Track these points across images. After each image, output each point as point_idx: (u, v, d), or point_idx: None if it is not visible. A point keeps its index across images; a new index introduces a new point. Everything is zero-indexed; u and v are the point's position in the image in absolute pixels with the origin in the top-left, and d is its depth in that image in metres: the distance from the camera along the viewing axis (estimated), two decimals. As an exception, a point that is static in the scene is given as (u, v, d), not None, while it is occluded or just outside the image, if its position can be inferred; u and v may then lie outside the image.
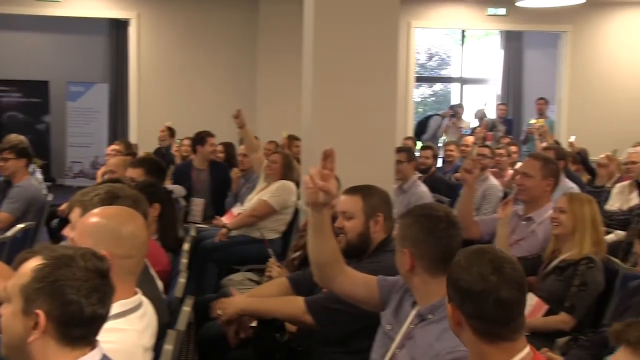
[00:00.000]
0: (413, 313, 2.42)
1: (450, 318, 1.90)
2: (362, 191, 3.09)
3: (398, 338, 2.41)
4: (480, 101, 13.72)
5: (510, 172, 7.18)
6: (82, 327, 1.67)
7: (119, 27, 12.08)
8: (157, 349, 2.33)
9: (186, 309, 2.76)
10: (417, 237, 2.39)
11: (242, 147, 6.73)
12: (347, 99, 4.62)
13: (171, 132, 8.73)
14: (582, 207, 3.68)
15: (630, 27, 11.18)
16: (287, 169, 5.71)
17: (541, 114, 11.17)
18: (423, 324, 2.36)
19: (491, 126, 11.56)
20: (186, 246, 3.78)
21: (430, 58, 16.82)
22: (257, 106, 10.09)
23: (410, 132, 11.10)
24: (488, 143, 8.82)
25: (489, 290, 1.82)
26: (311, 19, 4.66)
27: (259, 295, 3.27)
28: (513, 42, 13.97)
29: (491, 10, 11.15)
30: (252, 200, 5.71)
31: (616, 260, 3.86)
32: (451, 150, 8.43)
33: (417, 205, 2.66)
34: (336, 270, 2.64)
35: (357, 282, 2.66)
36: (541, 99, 11.37)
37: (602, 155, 7.10)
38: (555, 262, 3.66)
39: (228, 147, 7.73)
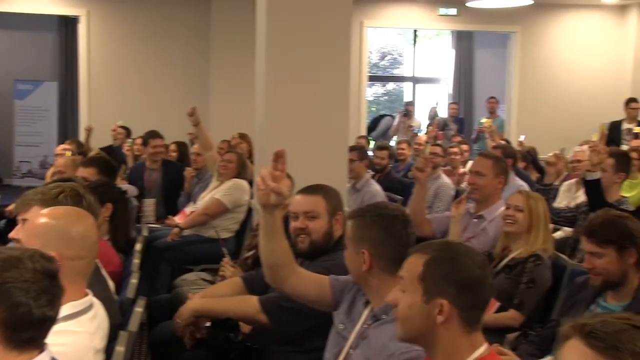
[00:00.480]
0: (366, 313, 2.43)
1: (439, 315, 1.85)
2: (323, 191, 3.09)
3: (352, 338, 2.42)
4: (433, 100, 13.86)
5: (462, 170, 7.28)
6: (30, 330, 1.63)
7: (68, 24, 11.88)
8: (108, 350, 2.30)
9: (138, 309, 2.73)
10: (377, 238, 2.39)
11: (195, 146, 6.69)
12: (300, 98, 4.62)
13: (127, 131, 8.64)
14: (537, 205, 3.75)
15: (576, 28, 11.41)
16: (241, 168, 5.71)
17: (492, 113, 11.33)
18: (377, 324, 2.36)
19: (443, 125, 11.68)
20: (138, 246, 3.74)
21: (382, 57, 16.91)
22: (210, 105, 10.02)
23: (364, 131, 11.15)
24: (439, 142, 8.91)
25: (484, 277, 1.88)
26: (263, 17, 4.65)
27: (212, 295, 3.25)
28: (464, 42, 14.15)
29: (442, 11, 11.27)
30: (205, 199, 5.68)
31: (564, 256, 3.94)
32: (403, 149, 8.49)
33: (370, 205, 2.65)
34: (288, 271, 2.64)
35: (308, 283, 2.66)
36: (492, 98, 11.52)
37: (551, 154, 7.23)
38: (505, 261, 3.72)
39: (181, 146, 7.68)
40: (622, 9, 11.37)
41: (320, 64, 4.63)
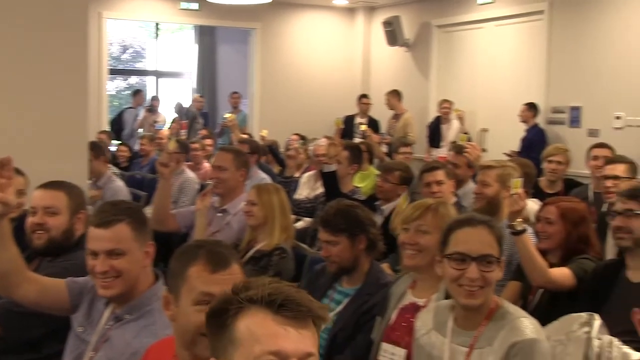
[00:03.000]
0: (107, 314, 2.37)
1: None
2: (65, 187, 2.99)
3: (93, 341, 2.34)
4: (177, 94, 13.78)
5: (206, 164, 7.32)
6: None
7: None
8: None
9: None
10: (150, 231, 2.42)
11: None
12: (34, 92, 4.35)
13: None
14: (270, 196, 3.88)
15: (312, 27, 11.91)
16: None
17: (235, 107, 11.54)
18: (119, 324, 2.32)
19: (192, 118, 11.71)
20: None
21: (124, 50, 16.47)
22: None
23: (105, 126, 10.78)
24: (182, 132, 8.90)
25: None
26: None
27: None
28: (207, 37, 14.22)
29: (184, 5, 11.22)
30: None
31: (304, 245, 4.14)
32: (144, 145, 8.39)
33: (123, 202, 2.62)
34: (19, 279, 2.49)
35: (43, 289, 2.53)
36: (235, 93, 11.74)
37: (295, 145, 7.49)
38: (250, 253, 3.82)
39: None
40: (350, 11, 12.12)
41: (55, 57, 4.41)
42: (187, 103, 12.75)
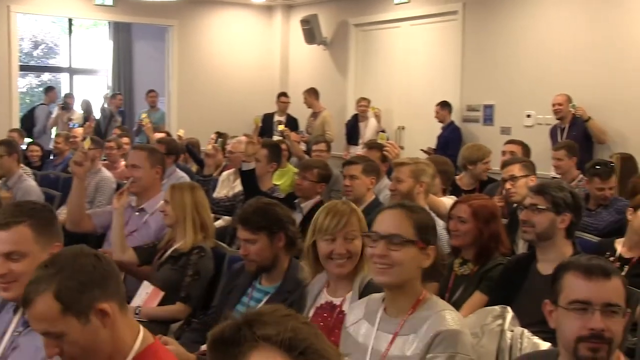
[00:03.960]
0: (16, 320, 2.31)
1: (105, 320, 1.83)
2: None
3: (1, 349, 2.27)
4: (92, 92, 13.47)
5: (123, 163, 7.20)
6: None
7: None
8: None
9: None
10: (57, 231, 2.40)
11: None
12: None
13: None
14: (182, 195, 3.83)
15: (230, 25, 11.82)
16: None
17: (153, 106, 11.37)
18: (29, 330, 2.25)
19: (109, 116, 11.48)
20: None
21: (36, 46, 15.97)
22: None
23: (16, 124, 10.44)
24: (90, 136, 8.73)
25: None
26: None
27: None
28: (122, 34, 13.95)
29: (98, 0, 10.97)
30: None
31: (223, 244, 4.11)
32: (59, 143, 8.19)
33: (27, 202, 2.53)
34: None
35: None
36: (152, 91, 11.55)
37: (209, 146, 7.44)
38: (169, 252, 3.78)
39: None
40: (268, 9, 12.08)
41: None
42: (95, 101, 12.47)
